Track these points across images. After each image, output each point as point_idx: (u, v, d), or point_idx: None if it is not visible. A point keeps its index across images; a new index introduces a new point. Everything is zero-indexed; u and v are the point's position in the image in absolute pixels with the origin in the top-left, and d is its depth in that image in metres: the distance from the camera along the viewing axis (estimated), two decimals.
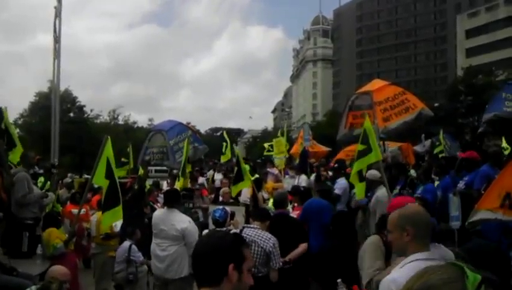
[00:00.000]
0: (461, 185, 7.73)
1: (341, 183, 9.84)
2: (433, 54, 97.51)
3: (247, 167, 10.38)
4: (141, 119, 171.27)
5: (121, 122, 61.72)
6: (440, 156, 12.35)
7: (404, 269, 2.84)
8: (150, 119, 70.68)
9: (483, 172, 7.25)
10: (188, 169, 10.96)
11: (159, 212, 7.17)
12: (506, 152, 11.20)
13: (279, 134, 16.56)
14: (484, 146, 13.75)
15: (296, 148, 16.48)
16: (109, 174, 6.48)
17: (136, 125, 68.68)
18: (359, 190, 7.64)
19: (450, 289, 1.16)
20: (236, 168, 9.91)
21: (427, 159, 11.71)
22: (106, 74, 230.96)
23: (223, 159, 18.16)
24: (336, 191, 9.59)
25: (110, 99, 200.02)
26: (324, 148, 18.45)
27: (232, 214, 6.64)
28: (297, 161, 13.77)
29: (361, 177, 7.63)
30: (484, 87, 45.22)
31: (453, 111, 49.75)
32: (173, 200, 7.02)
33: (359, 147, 7.41)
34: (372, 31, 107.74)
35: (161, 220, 6.92)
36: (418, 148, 15.13)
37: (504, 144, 13.23)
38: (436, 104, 49.24)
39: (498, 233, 6.29)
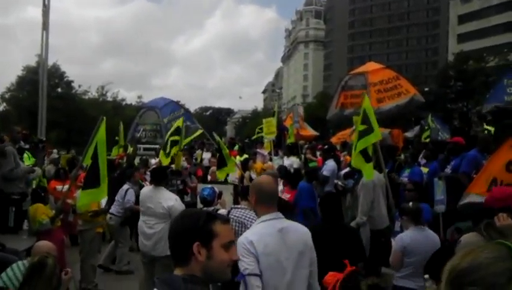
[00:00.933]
0: (448, 169, 7.79)
1: (330, 165, 9.90)
2: (424, 39, 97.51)
3: (230, 151, 10.37)
4: (130, 97, 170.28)
5: (109, 99, 61.06)
6: (427, 140, 12.43)
7: (253, 228, 3.55)
8: (139, 97, 70.30)
9: (471, 156, 7.30)
10: (184, 142, 10.85)
11: (146, 190, 7.16)
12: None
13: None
14: (472, 132, 13.84)
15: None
16: (94, 155, 6.41)
17: (124, 103, 68.14)
18: (367, 171, 7.36)
19: (497, 268, 1.14)
20: (218, 155, 9.93)
21: (415, 143, 11.79)
22: (95, 50, 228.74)
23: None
24: (325, 173, 9.64)
25: (99, 76, 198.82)
26: (312, 132, 18.37)
27: (220, 194, 6.64)
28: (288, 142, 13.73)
29: (367, 157, 7.45)
30: (474, 73, 45.45)
31: (442, 96, 49.97)
32: (160, 178, 7.02)
33: (360, 127, 7.44)
34: (364, 13, 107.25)
35: (148, 198, 6.93)
36: (409, 133, 15.21)
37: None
38: (426, 89, 49.40)
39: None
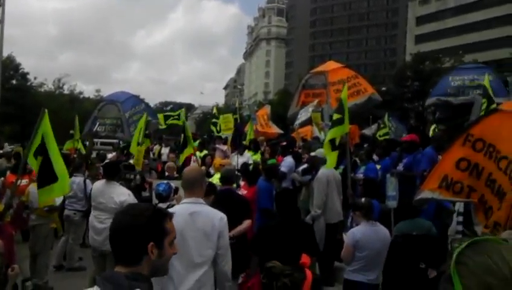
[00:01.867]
0: (400, 167, 8.00)
1: (288, 161, 9.98)
2: (383, 39, 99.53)
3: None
4: (88, 90, 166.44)
5: (66, 92, 59.56)
6: (385, 138, 12.72)
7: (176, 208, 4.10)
8: (97, 90, 68.85)
9: (428, 154, 7.53)
10: (147, 144, 10.78)
11: (98, 185, 7.03)
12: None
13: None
14: (427, 130, 14.27)
15: (261, 128, 16.36)
16: (42, 150, 5.99)
17: (82, 96, 66.70)
18: (331, 160, 7.65)
19: None
20: (182, 136, 9.92)
21: (370, 140, 12.07)
22: (53, 42, 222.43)
23: None
24: (282, 169, 9.72)
25: (57, 68, 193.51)
26: (275, 130, 18.36)
27: (176, 189, 6.60)
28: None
29: (333, 146, 7.69)
30: (431, 74, 46.72)
31: (399, 95, 51.24)
32: (113, 172, 6.91)
33: (335, 115, 7.71)
34: (326, 12, 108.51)
35: (100, 193, 6.82)
36: (367, 131, 15.53)
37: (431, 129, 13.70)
38: (384, 88, 50.54)
39: (432, 213, 6.62)
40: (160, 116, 15.11)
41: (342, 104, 7.77)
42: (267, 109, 17.60)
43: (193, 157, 10.79)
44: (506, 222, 3.62)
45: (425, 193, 4.46)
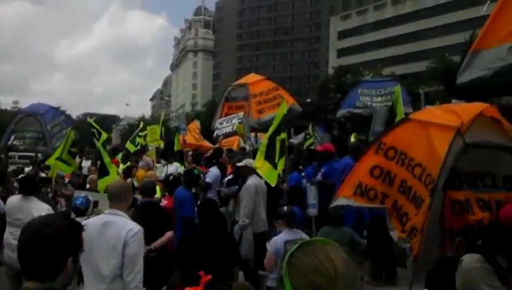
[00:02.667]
0: (319, 176, 8.21)
1: (213, 171, 9.94)
2: (307, 53, 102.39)
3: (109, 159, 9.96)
4: (6, 102, 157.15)
5: None
6: (312, 147, 13.00)
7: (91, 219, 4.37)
8: (15, 102, 65.50)
9: (344, 163, 7.77)
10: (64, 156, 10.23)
11: (14, 200, 6.63)
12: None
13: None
14: (349, 141, 14.77)
15: (190, 139, 16.15)
16: None
17: None
18: (274, 175, 7.82)
19: None
20: (99, 163, 9.51)
21: (295, 150, 12.29)
22: None
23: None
24: (207, 180, 9.67)
25: None
26: (209, 144, 18.08)
27: (96, 203, 6.38)
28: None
29: (274, 163, 7.88)
30: (352, 86, 48.39)
31: (323, 107, 52.76)
32: (30, 187, 6.54)
33: (283, 135, 7.88)
34: (252, 26, 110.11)
35: (17, 209, 6.43)
36: (294, 140, 15.78)
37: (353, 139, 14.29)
38: (308, 100, 51.92)
39: (352, 220, 6.85)
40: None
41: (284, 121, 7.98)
42: (197, 123, 17.49)
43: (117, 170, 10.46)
44: (423, 226, 3.77)
45: (340, 200, 4.59)
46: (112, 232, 3.90)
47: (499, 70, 4.28)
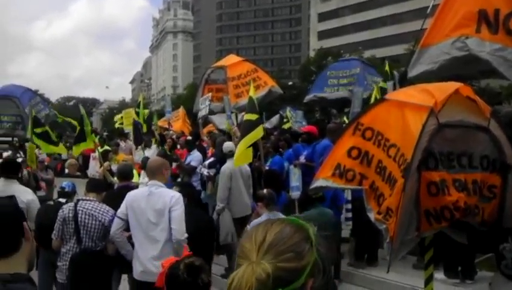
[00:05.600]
0: (302, 158, 8.22)
1: (196, 155, 9.91)
2: (288, 34, 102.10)
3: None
4: None
5: None
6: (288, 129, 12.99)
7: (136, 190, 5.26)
8: None
9: (321, 145, 7.78)
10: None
11: None
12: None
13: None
14: (331, 123, 14.81)
15: (181, 126, 16.00)
16: None
17: None
18: (247, 156, 7.65)
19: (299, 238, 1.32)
20: (79, 128, 9.37)
21: (275, 133, 12.26)
22: None
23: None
24: (192, 164, 9.64)
25: None
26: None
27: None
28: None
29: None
30: None
31: (305, 90, 52.74)
32: (12, 170, 6.40)
33: (249, 115, 7.71)
34: (231, 7, 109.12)
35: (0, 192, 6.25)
36: (268, 124, 15.70)
37: (343, 120, 14.35)
38: (290, 83, 51.85)
39: (329, 201, 6.90)
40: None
41: (253, 103, 7.79)
42: (184, 110, 17.42)
43: (93, 154, 10.36)
44: (398, 207, 3.78)
45: (319, 182, 4.59)
46: (155, 200, 4.63)
47: (444, 64, 4.80)
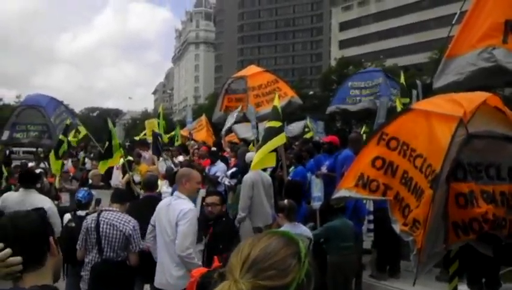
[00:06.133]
0: (323, 168, 8.14)
1: (221, 165, 9.93)
2: (309, 44, 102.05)
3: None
4: (9, 96, 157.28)
5: None
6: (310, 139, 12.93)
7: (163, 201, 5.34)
8: (18, 96, 65.47)
9: (343, 156, 7.70)
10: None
11: (14, 195, 6.57)
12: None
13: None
14: (352, 132, 14.75)
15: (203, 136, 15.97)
16: None
17: (1, 102, 63.29)
18: (270, 160, 7.73)
19: (286, 253, 1.29)
20: (107, 144, 9.42)
21: (297, 143, 12.21)
22: None
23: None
24: (218, 174, 9.64)
25: None
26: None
27: (98, 201, 6.37)
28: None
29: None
30: None
31: (326, 99, 52.53)
32: (31, 180, 6.49)
33: (272, 123, 7.75)
34: (253, 17, 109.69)
35: (18, 203, 6.29)
36: (288, 134, 15.62)
37: (364, 130, 14.25)
38: (311, 92, 51.73)
39: (350, 212, 6.82)
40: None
41: (278, 111, 7.87)
42: (207, 119, 17.37)
43: (116, 165, 10.42)
44: (426, 219, 3.71)
45: (342, 192, 4.53)
46: (172, 212, 4.77)
47: (471, 75, 4.75)
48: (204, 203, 5.33)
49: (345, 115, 12.13)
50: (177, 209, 4.72)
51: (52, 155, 10.46)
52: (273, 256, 1.27)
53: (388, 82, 11.42)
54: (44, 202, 6.26)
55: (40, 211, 1.95)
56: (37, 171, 9.78)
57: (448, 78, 4.96)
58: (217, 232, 5.11)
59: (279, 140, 7.63)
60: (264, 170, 8.31)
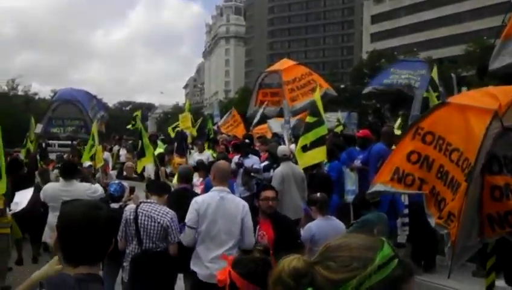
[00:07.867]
0: (357, 162, 8.13)
1: (255, 158, 9.99)
2: (340, 37, 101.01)
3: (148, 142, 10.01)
4: (45, 91, 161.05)
5: (20, 92, 57.76)
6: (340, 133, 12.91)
7: (203, 195, 5.30)
8: (53, 91, 67.13)
9: (376, 149, 7.68)
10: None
11: (57, 185, 6.78)
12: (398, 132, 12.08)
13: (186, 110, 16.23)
14: (385, 126, 14.66)
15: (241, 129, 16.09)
16: None
17: (37, 97, 64.95)
18: (320, 154, 7.89)
19: (359, 253, 1.19)
20: (140, 143, 9.70)
21: (328, 137, 12.19)
22: (8, 42, 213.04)
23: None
24: (255, 166, 9.71)
25: (12, 70, 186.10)
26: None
27: (132, 189, 6.51)
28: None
29: (304, 147, 7.92)
30: None
31: (357, 93, 52.05)
32: (72, 171, 6.70)
33: (309, 118, 7.94)
34: (283, 11, 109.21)
35: (63, 192, 6.43)
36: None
37: (397, 124, 14.09)
38: (342, 86, 51.33)
39: (387, 206, 6.79)
40: None
41: (316, 106, 8.00)
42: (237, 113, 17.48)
43: None
44: (460, 212, 3.71)
45: (377, 186, 4.55)
46: (228, 205, 4.78)
47: None
48: (261, 198, 5.19)
49: (380, 98, 11.90)
50: (239, 204, 4.84)
51: (99, 148, 10.68)
52: (349, 249, 1.21)
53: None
54: (88, 189, 6.48)
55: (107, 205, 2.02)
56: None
57: (505, 59, 4.78)
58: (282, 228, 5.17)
59: (320, 131, 7.78)
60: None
